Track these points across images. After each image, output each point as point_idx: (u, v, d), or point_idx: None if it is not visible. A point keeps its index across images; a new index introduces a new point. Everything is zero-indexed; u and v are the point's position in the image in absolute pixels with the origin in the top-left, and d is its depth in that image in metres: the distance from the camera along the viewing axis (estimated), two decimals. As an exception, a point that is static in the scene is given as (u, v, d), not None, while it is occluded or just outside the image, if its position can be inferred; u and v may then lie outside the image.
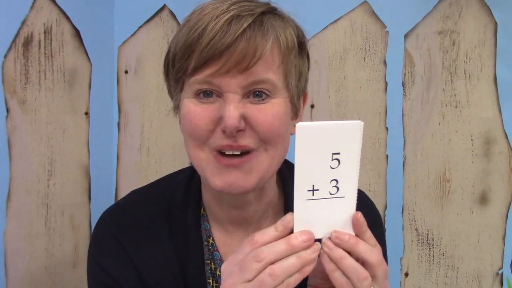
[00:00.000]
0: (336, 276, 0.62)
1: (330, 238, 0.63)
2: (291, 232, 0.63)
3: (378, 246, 0.66)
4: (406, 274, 1.36)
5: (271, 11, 0.74)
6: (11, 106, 1.28)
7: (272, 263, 0.61)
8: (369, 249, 0.63)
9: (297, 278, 0.61)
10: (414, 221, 1.35)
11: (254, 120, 0.70)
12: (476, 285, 1.31)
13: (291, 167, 0.84)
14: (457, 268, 1.32)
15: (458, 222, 1.31)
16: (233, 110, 0.68)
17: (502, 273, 1.28)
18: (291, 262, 0.61)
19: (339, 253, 0.62)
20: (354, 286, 0.62)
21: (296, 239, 0.62)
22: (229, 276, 0.63)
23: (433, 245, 1.34)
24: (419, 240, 1.35)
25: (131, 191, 0.90)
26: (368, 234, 0.65)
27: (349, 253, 0.63)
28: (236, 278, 0.61)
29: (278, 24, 0.72)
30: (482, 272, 1.30)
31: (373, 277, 0.63)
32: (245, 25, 0.68)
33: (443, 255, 1.33)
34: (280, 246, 0.61)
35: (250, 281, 0.61)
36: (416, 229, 1.35)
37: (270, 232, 0.62)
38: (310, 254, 0.62)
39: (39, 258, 1.37)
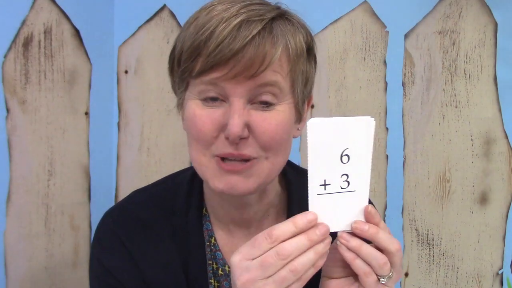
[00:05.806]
0: (358, 264, 0.64)
1: (348, 231, 0.65)
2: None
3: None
4: (406, 274, 1.36)
5: (281, 16, 0.72)
6: (11, 106, 1.28)
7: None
8: (388, 237, 0.65)
9: (311, 273, 0.62)
10: (414, 221, 1.35)
11: (258, 129, 0.70)
12: (476, 285, 1.30)
13: (295, 168, 0.85)
14: (457, 268, 1.32)
15: (458, 222, 1.31)
16: (237, 118, 0.68)
17: (502, 273, 1.28)
18: (310, 257, 0.61)
19: (357, 242, 0.64)
20: (375, 272, 0.64)
21: (315, 233, 0.62)
22: (246, 271, 0.62)
23: (433, 245, 1.34)
24: (419, 240, 1.35)
25: (133, 191, 0.90)
26: (382, 224, 0.66)
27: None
28: (256, 274, 0.61)
29: (288, 30, 0.71)
30: (482, 272, 1.30)
31: (391, 263, 0.65)
32: (254, 31, 0.67)
33: (443, 255, 1.33)
34: (303, 242, 0.61)
35: (270, 276, 0.61)
36: (416, 229, 1.35)
37: (288, 228, 0.62)
38: (324, 247, 0.63)
39: (39, 258, 1.37)
